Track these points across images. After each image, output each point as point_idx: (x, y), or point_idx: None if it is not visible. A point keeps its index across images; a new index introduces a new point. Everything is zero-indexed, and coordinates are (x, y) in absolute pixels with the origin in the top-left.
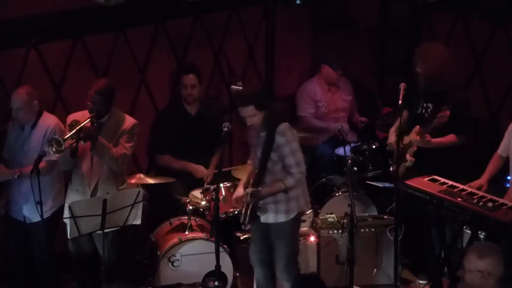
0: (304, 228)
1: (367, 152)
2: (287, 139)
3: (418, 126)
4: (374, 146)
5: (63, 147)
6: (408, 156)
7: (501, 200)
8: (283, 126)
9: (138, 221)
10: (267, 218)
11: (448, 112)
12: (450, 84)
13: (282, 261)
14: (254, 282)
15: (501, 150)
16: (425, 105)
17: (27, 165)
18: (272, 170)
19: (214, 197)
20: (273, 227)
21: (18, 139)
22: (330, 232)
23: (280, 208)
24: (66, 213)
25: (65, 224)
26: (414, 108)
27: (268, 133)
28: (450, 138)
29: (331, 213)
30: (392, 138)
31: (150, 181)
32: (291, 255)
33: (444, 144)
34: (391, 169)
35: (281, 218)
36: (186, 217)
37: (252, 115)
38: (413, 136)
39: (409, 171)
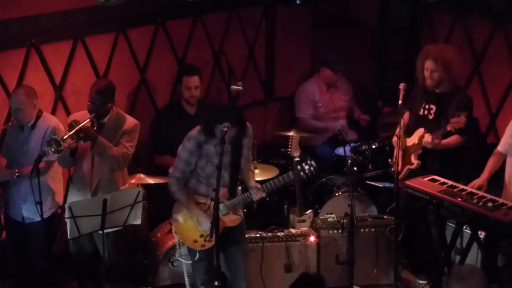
0: (304, 228)
1: (367, 152)
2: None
3: (422, 129)
4: (374, 146)
5: (62, 147)
6: (413, 159)
7: (501, 200)
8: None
9: (138, 221)
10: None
11: (464, 118)
12: (455, 84)
13: (244, 265)
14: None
15: (501, 146)
16: (427, 106)
17: (26, 166)
18: (242, 167)
19: (213, 197)
20: (235, 230)
21: (17, 140)
22: (330, 232)
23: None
24: (67, 213)
25: (65, 223)
26: (416, 110)
27: (237, 131)
28: (456, 139)
29: (331, 213)
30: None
31: (150, 181)
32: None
33: (451, 145)
34: (392, 169)
35: (242, 216)
36: None
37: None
38: (420, 140)
39: (413, 173)
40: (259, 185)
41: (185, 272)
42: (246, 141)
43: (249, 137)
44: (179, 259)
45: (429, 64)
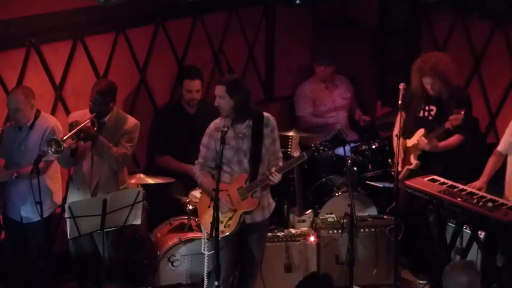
0: (304, 228)
1: (367, 152)
2: (276, 123)
3: (423, 130)
4: (374, 146)
5: (62, 147)
6: (412, 159)
7: (501, 200)
8: (266, 113)
9: (138, 221)
10: (255, 216)
11: (462, 115)
12: (454, 85)
13: (257, 264)
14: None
15: (501, 146)
16: (427, 108)
17: (24, 166)
18: (264, 158)
19: (213, 197)
20: (256, 226)
21: (15, 140)
22: (330, 232)
23: (265, 201)
24: (67, 213)
25: (65, 223)
26: (415, 111)
27: (256, 121)
28: (456, 138)
29: (331, 213)
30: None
31: (150, 181)
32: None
33: (451, 146)
34: (392, 170)
35: (267, 214)
36: (186, 217)
37: (221, 96)
38: (420, 141)
39: (413, 173)
40: (274, 168)
41: (205, 268)
42: (267, 131)
43: (271, 128)
44: (205, 252)
45: (427, 80)
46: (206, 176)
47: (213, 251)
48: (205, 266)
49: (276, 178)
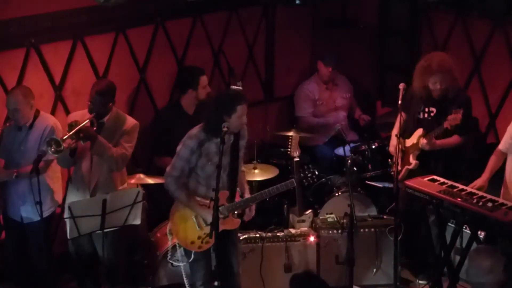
0: (304, 228)
1: (367, 152)
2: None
3: (421, 129)
4: (374, 146)
5: (62, 147)
6: (411, 159)
7: (501, 200)
8: None
9: (137, 221)
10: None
11: (460, 115)
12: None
13: (237, 262)
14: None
15: (502, 145)
16: (427, 109)
17: (24, 166)
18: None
19: (213, 197)
20: (233, 232)
21: (14, 140)
22: (330, 232)
23: None
24: (67, 213)
25: (65, 224)
26: (415, 113)
27: (236, 133)
28: (455, 139)
29: (331, 213)
30: (394, 141)
31: (150, 181)
32: None
33: (448, 145)
34: (391, 170)
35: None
36: None
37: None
38: (419, 140)
39: (413, 173)
40: (253, 206)
41: (183, 272)
42: (243, 143)
43: (246, 139)
44: (172, 262)
45: (436, 79)
46: (184, 191)
47: (188, 261)
48: (184, 277)
49: (250, 216)
